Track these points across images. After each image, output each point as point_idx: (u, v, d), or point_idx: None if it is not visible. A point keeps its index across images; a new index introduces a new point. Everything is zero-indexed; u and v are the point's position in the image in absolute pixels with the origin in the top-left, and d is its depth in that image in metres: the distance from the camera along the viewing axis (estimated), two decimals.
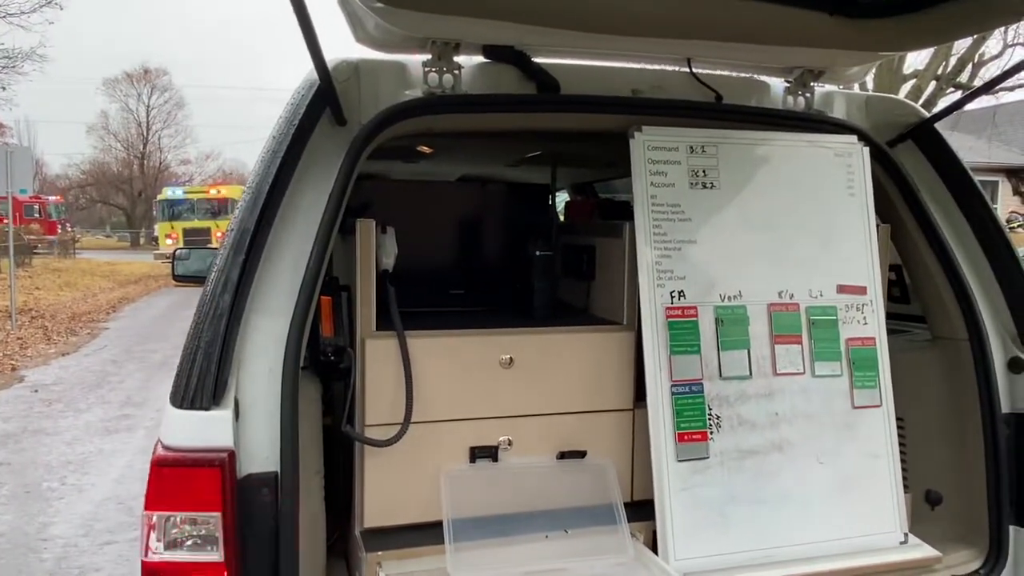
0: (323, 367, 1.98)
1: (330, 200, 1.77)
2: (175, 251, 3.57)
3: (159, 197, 28.29)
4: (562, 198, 4.31)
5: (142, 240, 42.60)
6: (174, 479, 1.53)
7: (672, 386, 2.02)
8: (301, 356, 1.70)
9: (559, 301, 2.49)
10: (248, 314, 1.66)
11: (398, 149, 2.96)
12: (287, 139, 1.74)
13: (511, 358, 2.07)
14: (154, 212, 31.29)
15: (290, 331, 1.66)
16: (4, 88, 19.99)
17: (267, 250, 1.69)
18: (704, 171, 2.12)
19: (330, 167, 1.81)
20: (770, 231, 2.14)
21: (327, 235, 1.75)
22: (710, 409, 2.05)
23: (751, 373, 2.08)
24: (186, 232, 25.17)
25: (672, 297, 2.05)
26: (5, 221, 15.17)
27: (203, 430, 1.54)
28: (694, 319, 2.06)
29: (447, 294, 2.56)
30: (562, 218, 3.43)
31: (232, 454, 1.54)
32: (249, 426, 1.61)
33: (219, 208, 25.73)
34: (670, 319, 2.04)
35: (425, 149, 3.04)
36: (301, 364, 1.72)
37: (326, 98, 1.78)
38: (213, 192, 26.48)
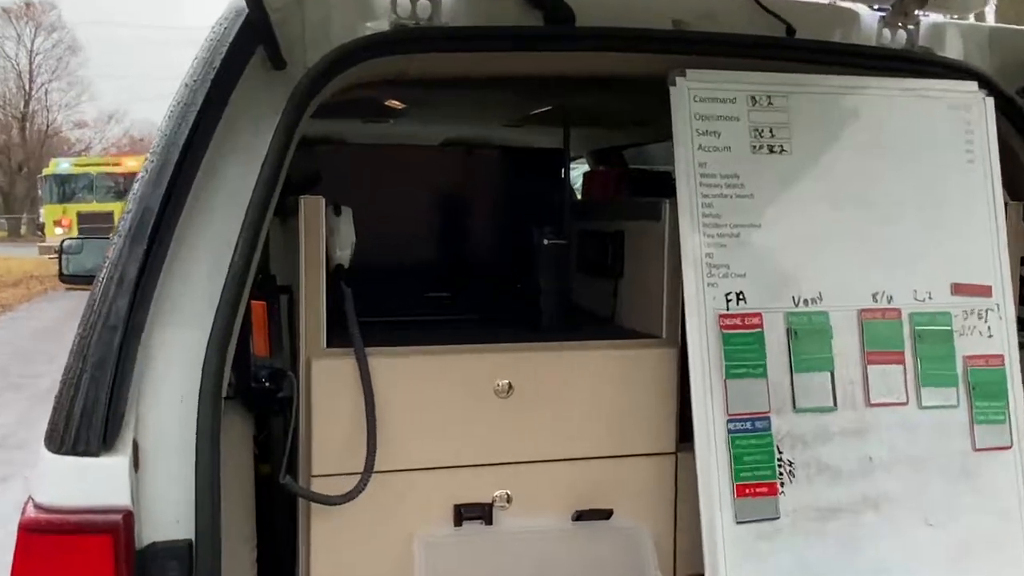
0: (255, 397, 1.99)
1: (263, 171, 1.75)
2: (62, 242, 3.55)
3: (45, 171, 28.37)
4: (582, 169, 4.31)
5: (23, 229, 42.75)
6: (50, 550, 1.50)
7: (728, 421, 2.03)
8: (225, 383, 1.70)
9: (575, 307, 2.50)
10: (151, 326, 1.64)
11: (360, 104, 2.96)
12: (204, 89, 1.71)
13: (510, 384, 2.08)
14: (39, 191, 31.35)
15: (209, 349, 1.65)
16: None
17: (177, 239, 1.67)
18: (771, 130, 2.12)
19: (264, 126, 1.79)
20: (861, 211, 2.15)
21: (259, 218, 1.74)
22: (780, 452, 2.05)
23: (835, 403, 2.09)
24: (82, 217, 25.21)
25: (728, 301, 2.06)
26: None
27: (89, 483, 1.52)
28: (758, 330, 2.07)
29: (425, 298, 2.58)
30: (579, 195, 3.51)
31: (129, 516, 1.52)
32: (153, 478, 1.60)
33: (126, 186, 25.82)
34: (726, 331, 2.05)
35: (396, 104, 3.05)
36: (225, 393, 1.72)
37: (257, 32, 1.76)
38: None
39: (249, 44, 1.78)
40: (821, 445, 2.07)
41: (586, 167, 4.31)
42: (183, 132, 1.68)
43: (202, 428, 1.62)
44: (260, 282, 2.04)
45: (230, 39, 1.77)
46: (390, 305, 2.43)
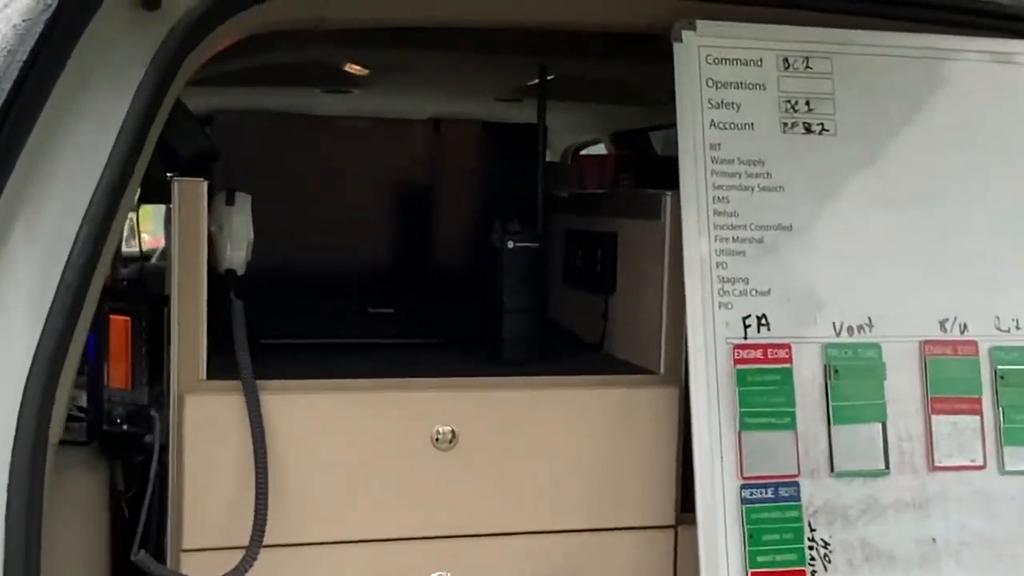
0: (112, 444, 1.95)
1: (120, 141, 1.66)
2: None
3: None
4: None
5: None
6: None
7: (743, 487, 1.96)
8: (58, 422, 1.59)
9: (557, 330, 2.53)
10: None
11: (315, 70, 3.02)
12: (36, 31, 1.58)
13: (453, 432, 2.01)
14: None
15: (31, 378, 1.54)
16: None
17: None
18: (808, 103, 2.06)
19: (124, 84, 1.70)
20: (928, 213, 2.10)
21: (111, 203, 1.64)
22: (812, 529, 1.98)
23: (888, 466, 2.02)
24: None
25: (746, 327, 1.99)
26: None
27: None
28: (786, 367, 2.00)
29: (364, 315, 2.52)
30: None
31: None
32: None
33: None
34: (741, 366, 1.98)
35: (357, 69, 3.07)
36: (62, 437, 1.63)
37: None
38: None
39: None
40: (869, 521, 2.00)
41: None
42: (2, 90, 1.56)
43: (16, 487, 1.50)
44: (125, 290, 2.01)
45: None
46: (317, 323, 2.39)
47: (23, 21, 1.63)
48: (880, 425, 2.01)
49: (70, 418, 1.94)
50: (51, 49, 1.60)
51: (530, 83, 3.05)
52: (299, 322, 2.34)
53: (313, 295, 2.39)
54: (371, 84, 3.27)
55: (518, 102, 3.44)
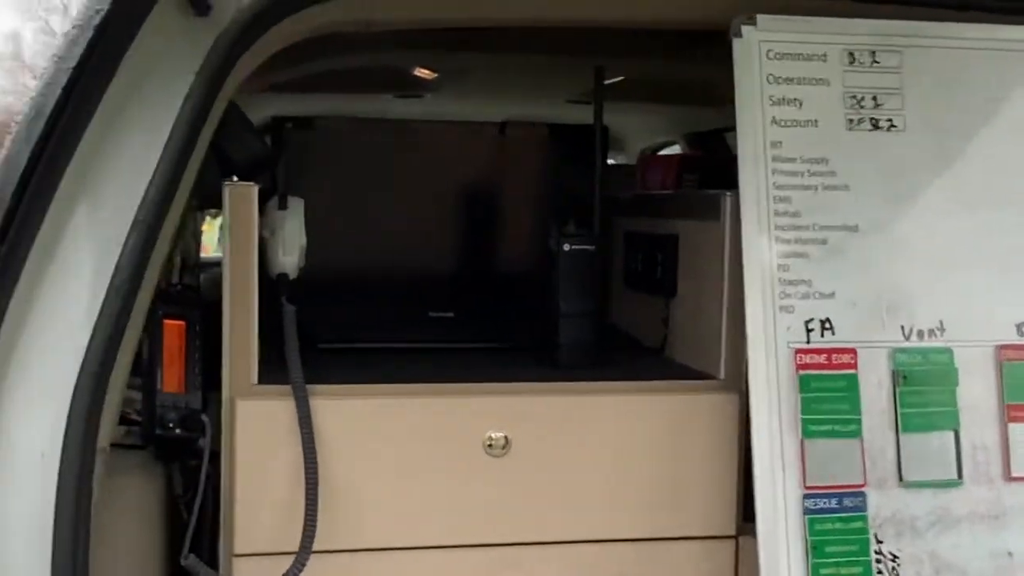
0: (165, 448, 1.94)
1: (169, 147, 1.66)
2: None
3: None
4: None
5: None
6: None
7: (806, 497, 1.92)
8: (105, 428, 1.60)
9: (617, 334, 2.52)
10: (2, 352, 1.55)
11: (384, 75, 3.06)
12: (86, 37, 1.60)
13: (506, 438, 1.99)
14: None
15: (79, 382, 1.55)
16: None
17: (45, 234, 1.58)
18: (875, 98, 2.02)
19: (174, 89, 1.70)
20: (1004, 213, 2.06)
21: (161, 210, 1.65)
22: (879, 542, 1.94)
23: (961, 475, 1.98)
24: None
25: (809, 331, 1.95)
26: None
27: None
28: (851, 372, 1.96)
29: (424, 319, 2.54)
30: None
31: None
32: None
33: None
34: (804, 372, 1.94)
35: (426, 73, 3.12)
36: (115, 440, 1.69)
37: None
38: None
39: None
40: (940, 533, 1.96)
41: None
42: (52, 94, 1.57)
43: (64, 495, 1.51)
44: (179, 295, 2.02)
45: None
46: (378, 327, 2.39)
47: (73, 27, 1.66)
48: (952, 433, 1.97)
49: (131, 422, 1.98)
50: (101, 55, 1.61)
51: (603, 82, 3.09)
52: (359, 326, 2.34)
53: (373, 299, 2.40)
54: (442, 88, 3.29)
55: (588, 104, 3.43)
